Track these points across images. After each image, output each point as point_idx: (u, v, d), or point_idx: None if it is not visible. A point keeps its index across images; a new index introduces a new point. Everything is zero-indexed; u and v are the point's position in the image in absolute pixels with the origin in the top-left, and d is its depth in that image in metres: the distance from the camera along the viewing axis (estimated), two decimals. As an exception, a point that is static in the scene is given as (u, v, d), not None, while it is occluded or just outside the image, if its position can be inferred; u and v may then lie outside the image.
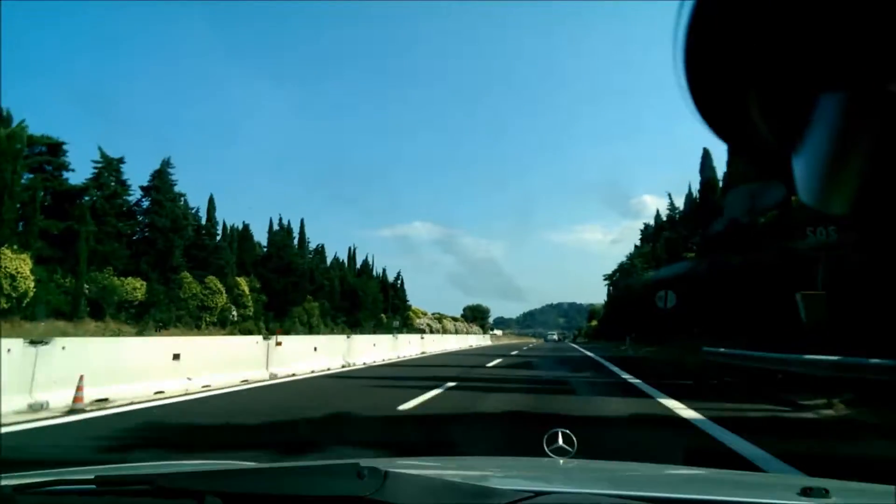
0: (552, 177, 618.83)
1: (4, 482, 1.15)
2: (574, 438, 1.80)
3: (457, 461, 2.32)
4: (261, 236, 46.92)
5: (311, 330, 46.46)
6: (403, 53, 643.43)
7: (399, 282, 73.75)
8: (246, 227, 43.95)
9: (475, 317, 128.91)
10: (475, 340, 36.81)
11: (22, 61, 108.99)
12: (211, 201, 39.88)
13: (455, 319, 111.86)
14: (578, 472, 1.77)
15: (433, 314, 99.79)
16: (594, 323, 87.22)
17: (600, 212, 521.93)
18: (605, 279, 60.65)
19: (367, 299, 55.67)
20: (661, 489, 1.42)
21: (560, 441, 1.79)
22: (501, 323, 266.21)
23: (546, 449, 1.79)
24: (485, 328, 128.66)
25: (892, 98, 0.40)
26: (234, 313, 36.95)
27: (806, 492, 1.22)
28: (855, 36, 0.40)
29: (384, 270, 70.04)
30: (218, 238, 40.14)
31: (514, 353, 27.60)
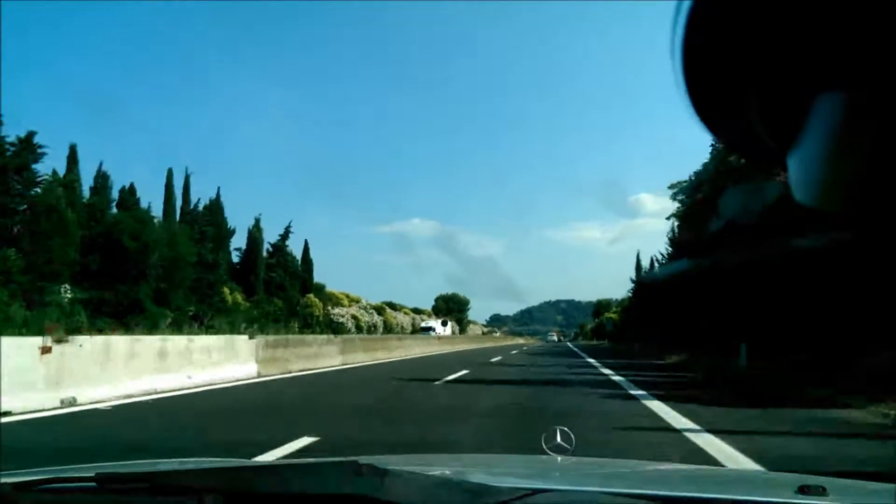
0: (551, 175, 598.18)
1: (4, 479, 1.12)
2: (572, 436, 1.75)
3: (456, 458, 2.51)
4: None
5: None
6: (404, 51, 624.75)
7: (287, 243, 43.72)
8: None
9: (450, 309, 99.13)
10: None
11: (20, 61, 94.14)
12: None
13: (418, 312, 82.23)
14: (576, 470, 1.77)
15: (381, 303, 70.59)
16: (613, 315, 57.86)
17: (598, 210, 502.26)
18: (670, 190, 30.35)
19: (149, 260, 26.25)
20: (658, 487, 1.43)
21: (558, 439, 1.76)
22: (497, 320, 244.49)
23: (544, 447, 1.75)
24: (462, 324, 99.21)
25: (889, 98, 0.39)
26: None
27: (804, 490, 1.21)
28: (853, 36, 0.39)
29: (257, 221, 40.49)
30: None
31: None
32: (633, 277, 47.97)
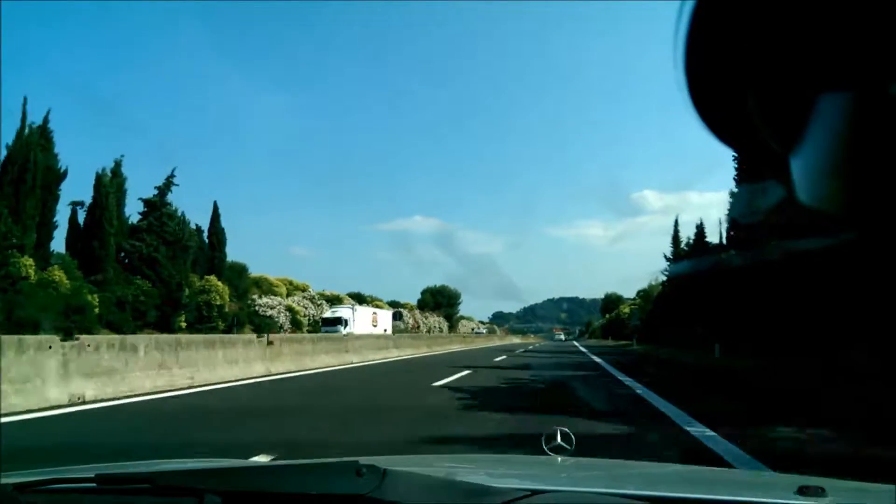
0: (553, 172, 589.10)
1: (5, 480, 1.12)
2: (573, 437, 1.72)
3: (456, 459, 2.50)
4: None
5: None
6: (405, 51, 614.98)
7: (169, 200, 30.26)
8: None
9: (438, 303, 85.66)
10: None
11: (16, 60, 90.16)
12: None
13: (396, 305, 69.00)
14: (576, 471, 1.75)
15: (346, 293, 57.67)
16: (634, 305, 44.81)
17: (600, 208, 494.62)
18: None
19: None
20: (659, 488, 1.42)
21: (558, 439, 1.75)
22: (500, 317, 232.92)
23: (544, 447, 1.73)
24: (453, 320, 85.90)
25: (891, 99, 0.39)
26: None
27: (803, 490, 1.21)
28: (854, 37, 0.39)
29: (117, 164, 27.33)
30: None
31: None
32: (669, 254, 34.74)
